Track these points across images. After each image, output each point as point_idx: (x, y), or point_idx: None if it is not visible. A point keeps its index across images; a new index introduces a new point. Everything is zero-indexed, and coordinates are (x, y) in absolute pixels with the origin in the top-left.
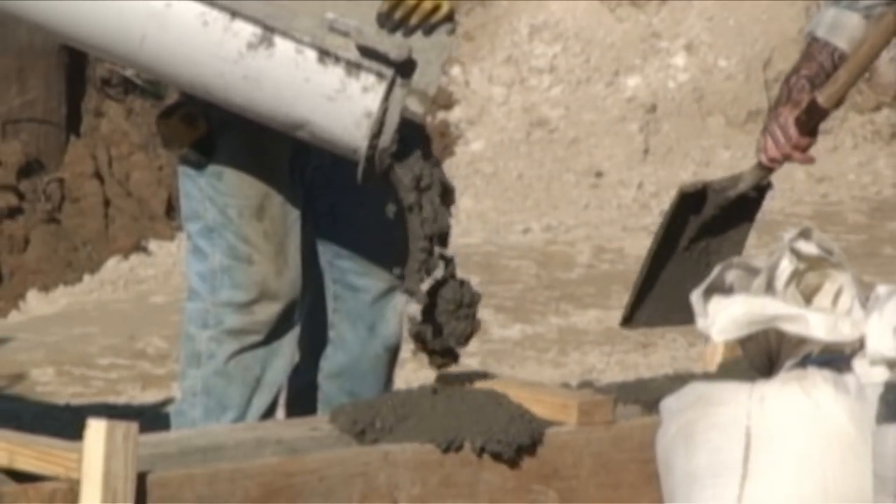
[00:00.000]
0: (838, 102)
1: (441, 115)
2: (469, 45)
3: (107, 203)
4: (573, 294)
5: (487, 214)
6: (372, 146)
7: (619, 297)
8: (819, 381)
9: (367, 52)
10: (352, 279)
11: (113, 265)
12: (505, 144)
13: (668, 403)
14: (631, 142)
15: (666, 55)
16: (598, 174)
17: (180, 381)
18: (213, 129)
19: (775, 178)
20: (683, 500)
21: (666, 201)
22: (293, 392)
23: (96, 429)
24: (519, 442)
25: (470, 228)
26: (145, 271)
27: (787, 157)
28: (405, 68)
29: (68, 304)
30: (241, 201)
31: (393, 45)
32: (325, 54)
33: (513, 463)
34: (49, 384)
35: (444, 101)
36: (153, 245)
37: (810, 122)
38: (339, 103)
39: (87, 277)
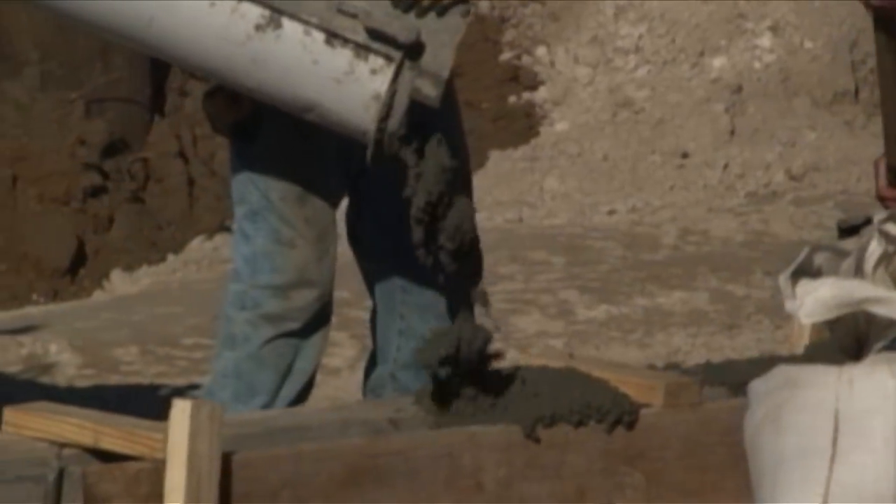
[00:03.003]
0: None
1: (526, 95)
2: (554, 25)
3: (191, 182)
4: (659, 275)
5: (572, 195)
6: (380, 129)
7: (705, 278)
8: None
9: (376, 34)
10: (418, 271)
11: (197, 245)
12: (590, 125)
13: (756, 386)
14: (716, 123)
15: (751, 36)
16: (684, 155)
17: (214, 362)
18: (258, 110)
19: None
20: (771, 483)
21: (752, 182)
22: (371, 382)
23: (181, 408)
24: (615, 416)
25: (555, 209)
26: (229, 251)
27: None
28: (414, 51)
29: (152, 283)
30: (283, 185)
31: (401, 27)
32: (333, 36)
33: (599, 444)
34: (133, 364)
35: (530, 81)
36: None
37: (893, 178)
38: (348, 86)
39: (170, 257)
